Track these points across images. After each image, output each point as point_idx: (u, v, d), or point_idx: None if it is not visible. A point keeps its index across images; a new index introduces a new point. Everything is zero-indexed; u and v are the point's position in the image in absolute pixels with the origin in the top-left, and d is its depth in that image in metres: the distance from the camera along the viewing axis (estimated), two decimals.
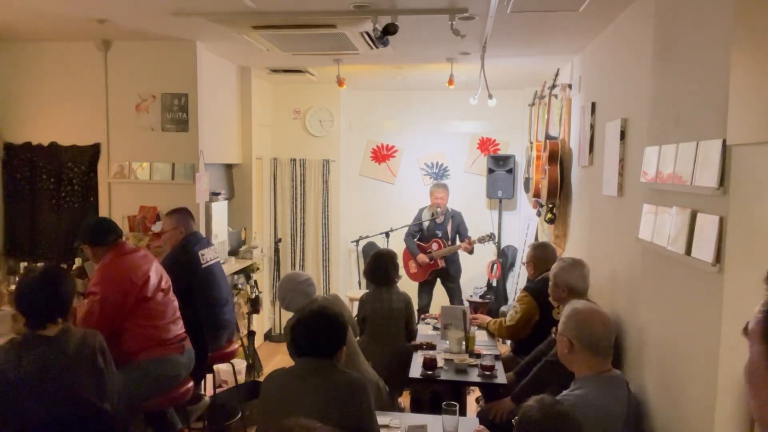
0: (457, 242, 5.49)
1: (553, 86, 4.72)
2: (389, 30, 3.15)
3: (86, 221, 3.35)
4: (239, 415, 3.88)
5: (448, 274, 5.56)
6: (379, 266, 3.86)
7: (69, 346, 2.18)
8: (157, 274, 3.06)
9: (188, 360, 3.10)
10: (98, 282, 2.87)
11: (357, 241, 5.99)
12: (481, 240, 5.42)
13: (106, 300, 2.82)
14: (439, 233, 5.52)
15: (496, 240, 5.85)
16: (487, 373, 3.13)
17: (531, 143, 5.32)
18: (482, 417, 2.97)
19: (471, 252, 5.45)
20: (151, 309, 2.95)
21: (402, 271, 4.58)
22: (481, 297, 5.75)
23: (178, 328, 3.10)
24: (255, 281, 5.05)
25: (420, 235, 5.59)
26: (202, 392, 3.87)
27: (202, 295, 3.53)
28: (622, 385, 2.29)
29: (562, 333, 2.36)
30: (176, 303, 3.14)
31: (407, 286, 5.24)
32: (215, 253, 3.79)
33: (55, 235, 4.34)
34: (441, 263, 5.50)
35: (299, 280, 3.29)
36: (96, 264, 3.03)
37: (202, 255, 3.60)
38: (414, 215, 5.73)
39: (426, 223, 5.56)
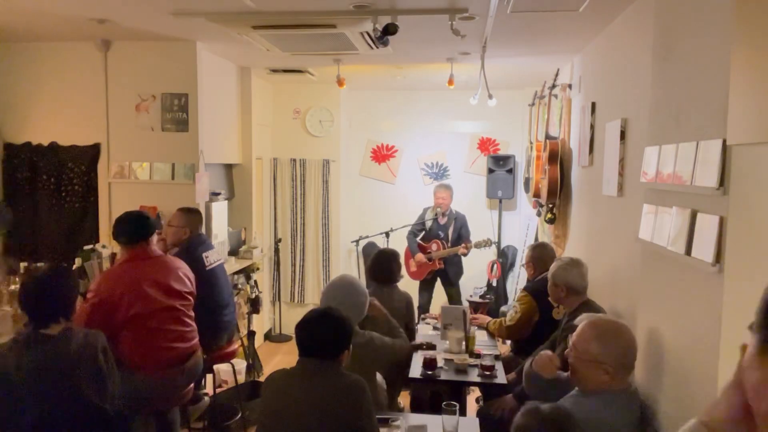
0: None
1: (553, 86, 4.72)
2: (389, 30, 3.15)
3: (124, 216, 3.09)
4: (239, 415, 3.88)
5: (447, 276, 5.58)
6: (382, 264, 3.85)
7: (71, 345, 2.18)
8: (180, 281, 2.97)
9: (194, 368, 3.02)
10: (95, 286, 2.84)
11: (357, 241, 5.99)
12: (478, 245, 5.44)
13: (97, 305, 2.75)
14: (441, 234, 5.54)
15: (495, 242, 5.84)
16: (487, 373, 3.13)
17: (531, 143, 5.32)
18: (483, 415, 2.97)
19: (465, 254, 5.49)
20: (149, 327, 2.82)
21: (403, 270, 4.57)
22: (481, 297, 5.73)
23: (184, 344, 2.97)
24: (255, 281, 5.05)
25: (423, 234, 5.62)
26: (203, 392, 3.87)
27: (204, 297, 3.52)
28: (636, 400, 2.22)
29: (600, 361, 2.09)
30: (188, 316, 3.02)
31: (408, 285, 5.24)
32: (218, 255, 3.79)
33: (55, 235, 4.34)
34: (439, 264, 5.51)
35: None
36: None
37: (206, 257, 3.60)
38: (414, 215, 5.75)
39: (429, 223, 5.58)
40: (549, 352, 2.56)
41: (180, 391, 3.00)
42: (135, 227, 2.97)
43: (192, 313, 3.10)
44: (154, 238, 3.09)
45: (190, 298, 3.10)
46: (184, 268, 3.13)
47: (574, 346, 2.19)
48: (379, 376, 3.25)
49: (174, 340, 2.94)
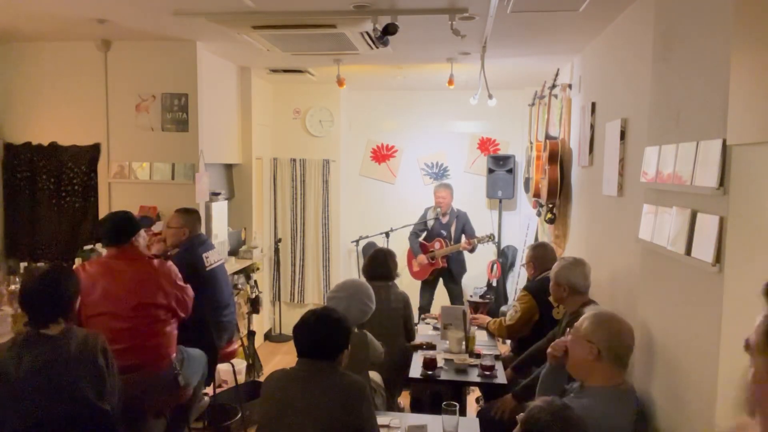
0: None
1: (553, 86, 4.72)
2: (389, 30, 3.15)
3: (107, 216, 3.05)
4: (239, 415, 3.88)
5: (451, 274, 5.59)
6: (377, 260, 3.85)
7: (70, 345, 2.18)
8: (146, 293, 2.79)
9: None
10: None
11: (357, 241, 5.99)
12: (481, 241, 5.45)
13: None
14: (444, 233, 5.55)
15: (496, 240, 5.85)
16: (487, 373, 3.13)
17: (531, 143, 5.33)
18: (483, 416, 2.97)
19: (471, 251, 5.48)
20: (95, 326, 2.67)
21: (405, 270, 4.58)
22: (481, 297, 5.74)
23: (127, 359, 2.66)
24: (255, 281, 5.05)
25: (425, 234, 5.63)
26: (203, 392, 3.87)
27: (205, 297, 3.51)
28: (632, 398, 2.23)
29: (589, 340, 2.19)
30: (135, 333, 2.76)
31: (409, 285, 5.25)
32: (218, 255, 3.79)
33: (55, 235, 4.34)
34: (442, 263, 5.52)
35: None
36: None
37: (206, 257, 3.60)
38: (414, 215, 5.76)
39: (431, 223, 5.59)
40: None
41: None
42: (113, 229, 2.90)
43: (151, 329, 2.83)
44: (141, 240, 2.98)
45: (156, 311, 2.85)
46: (163, 279, 2.91)
47: (573, 327, 2.30)
48: (377, 377, 3.25)
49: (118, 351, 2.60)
